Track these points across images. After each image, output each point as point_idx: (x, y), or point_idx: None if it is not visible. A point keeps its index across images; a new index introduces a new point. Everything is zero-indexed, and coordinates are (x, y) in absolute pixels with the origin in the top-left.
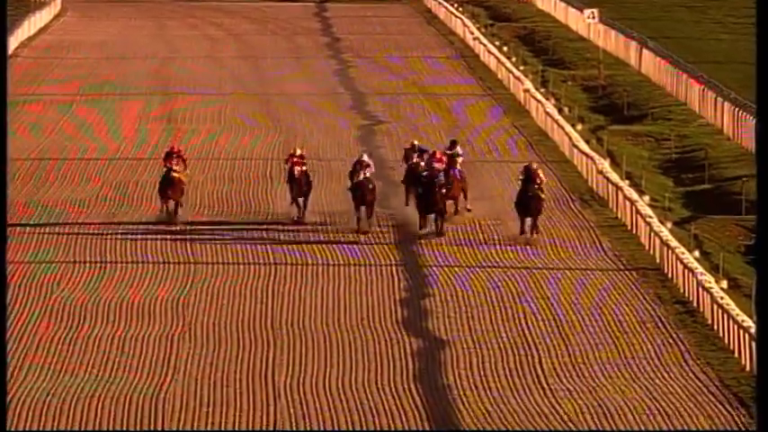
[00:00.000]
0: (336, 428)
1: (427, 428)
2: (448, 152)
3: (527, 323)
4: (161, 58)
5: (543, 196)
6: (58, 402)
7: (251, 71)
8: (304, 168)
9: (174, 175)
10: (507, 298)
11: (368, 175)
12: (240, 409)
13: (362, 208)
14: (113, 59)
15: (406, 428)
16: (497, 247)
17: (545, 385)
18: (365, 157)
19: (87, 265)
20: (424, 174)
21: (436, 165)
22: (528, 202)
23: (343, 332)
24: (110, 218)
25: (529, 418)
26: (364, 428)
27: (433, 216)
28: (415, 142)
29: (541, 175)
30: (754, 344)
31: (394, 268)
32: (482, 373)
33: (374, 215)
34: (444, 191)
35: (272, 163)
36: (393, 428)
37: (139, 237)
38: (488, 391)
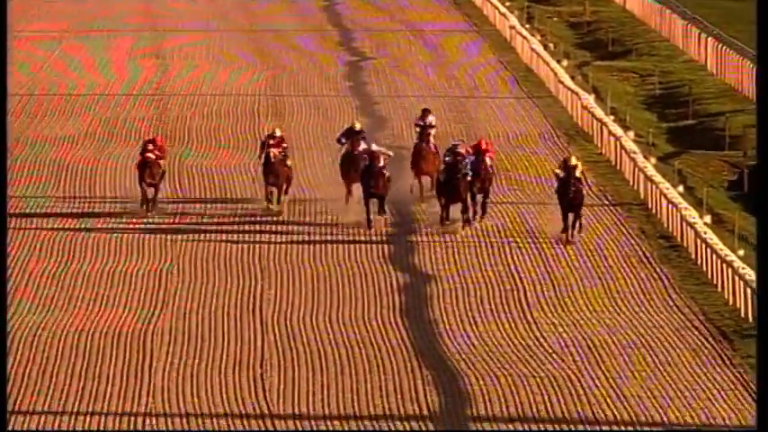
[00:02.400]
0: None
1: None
2: (420, 122)
3: (512, 258)
4: None
5: (585, 191)
6: (48, 337)
7: (238, 7)
8: (281, 151)
9: (150, 155)
10: (493, 233)
11: (381, 163)
12: (228, 343)
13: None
14: None
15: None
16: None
17: (530, 319)
18: (374, 146)
19: (77, 200)
20: (446, 160)
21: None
22: (569, 200)
23: (331, 267)
24: (99, 153)
25: (514, 350)
26: (353, 371)
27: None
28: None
29: (581, 167)
30: (737, 279)
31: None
32: (468, 307)
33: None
34: (478, 184)
35: (259, 98)
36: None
37: (128, 173)
38: (474, 326)
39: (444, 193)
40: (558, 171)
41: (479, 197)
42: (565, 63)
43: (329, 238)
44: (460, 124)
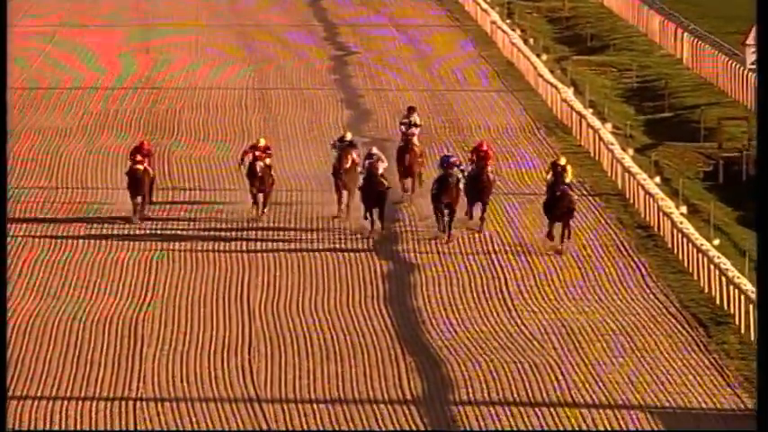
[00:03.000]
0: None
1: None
2: (405, 120)
3: (493, 247)
4: None
5: (575, 195)
6: (41, 324)
7: (226, 3)
8: (268, 162)
9: (138, 167)
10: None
11: (381, 171)
12: (216, 330)
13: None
14: None
15: (405, 429)
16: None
17: (511, 307)
18: (375, 150)
19: (69, 190)
20: (440, 170)
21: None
22: (556, 203)
23: (316, 256)
24: (90, 145)
25: (495, 337)
26: (338, 357)
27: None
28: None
29: (570, 170)
30: (713, 267)
31: None
32: (450, 295)
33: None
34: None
35: (246, 92)
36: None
37: (120, 163)
38: (456, 313)
39: (439, 203)
40: (547, 177)
41: (477, 208)
42: (544, 57)
43: (315, 226)
44: (443, 116)
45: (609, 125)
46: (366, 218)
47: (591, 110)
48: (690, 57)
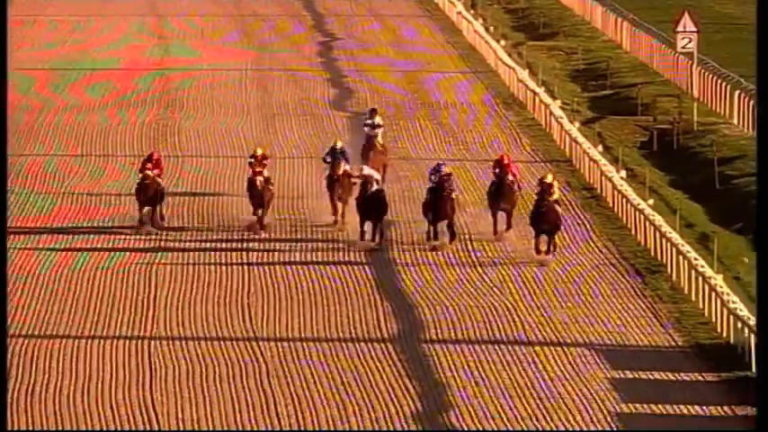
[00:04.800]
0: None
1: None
2: (368, 122)
3: (459, 209)
4: None
5: (560, 210)
6: (68, 272)
7: None
8: (266, 176)
9: (148, 173)
10: None
11: (377, 186)
12: (219, 280)
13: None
14: None
15: (373, 350)
16: (436, 141)
17: (474, 259)
18: (366, 170)
19: (92, 157)
20: (432, 179)
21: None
22: (541, 218)
23: (307, 222)
24: (111, 119)
25: (460, 285)
26: (326, 302)
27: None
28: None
29: (556, 187)
30: (648, 224)
31: None
32: (422, 249)
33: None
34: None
35: (245, 72)
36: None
37: (136, 135)
38: (426, 265)
39: (431, 212)
40: (535, 192)
41: (501, 214)
42: (503, 43)
43: (304, 192)
44: (414, 94)
45: (558, 101)
46: (362, 230)
47: (543, 88)
48: (628, 42)
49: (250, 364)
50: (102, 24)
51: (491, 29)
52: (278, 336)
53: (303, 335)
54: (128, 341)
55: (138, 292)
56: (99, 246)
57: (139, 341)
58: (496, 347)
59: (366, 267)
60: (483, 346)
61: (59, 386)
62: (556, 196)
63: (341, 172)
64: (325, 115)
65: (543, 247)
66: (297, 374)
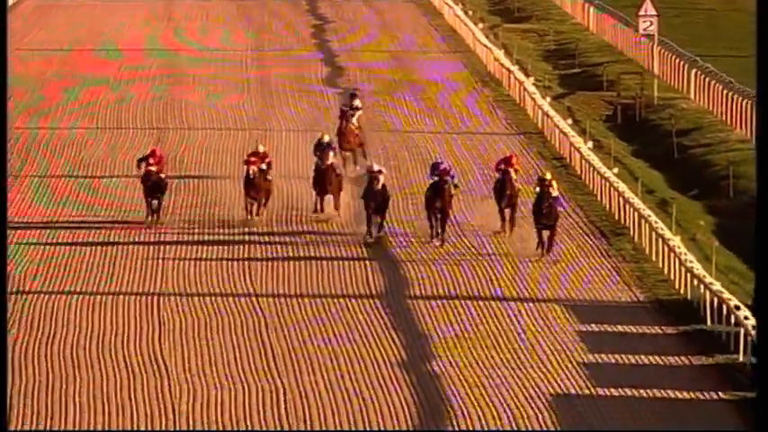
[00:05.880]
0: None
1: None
2: (345, 105)
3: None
4: None
5: (560, 209)
6: (86, 237)
7: None
8: (263, 167)
9: (151, 169)
10: (422, 157)
11: (381, 180)
12: (222, 244)
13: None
14: None
15: (362, 305)
16: (419, 116)
17: (454, 222)
18: (375, 167)
19: (107, 130)
20: (432, 175)
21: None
22: (542, 216)
23: (301, 182)
24: (124, 93)
25: (443, 250)
26: (319, 262)
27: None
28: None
29: (555, 185)
30: (612, 190)
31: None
32: (407, 211)
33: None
34: (507, 200)
35: (246, 52)
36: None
37: (146, 108)
38: (411, 227)
39: (432, 208)
40: (536, 190)
41: (507, 211)
42: (481, 26)
43: (300, 163)
44: (400, 71)
45: (531, 78)
46: (369, 227)
47: (517, 66)
48: (594, 25)
49: (250, 317)
50: (115, 7)
51: (470, 13)
52: (275, 292)
53: (299, 290)
54: (138, 297)
55: (147, 251)
56: (111, 219)
57: (149, 297)
58: (474, 303)
59: (355, 228)
60: (462, 302)
61: (76, 338)
62: (555, 193)
63: (329, 162)
64: (319, 91)
65: (540, 246)
66: (293, 326)
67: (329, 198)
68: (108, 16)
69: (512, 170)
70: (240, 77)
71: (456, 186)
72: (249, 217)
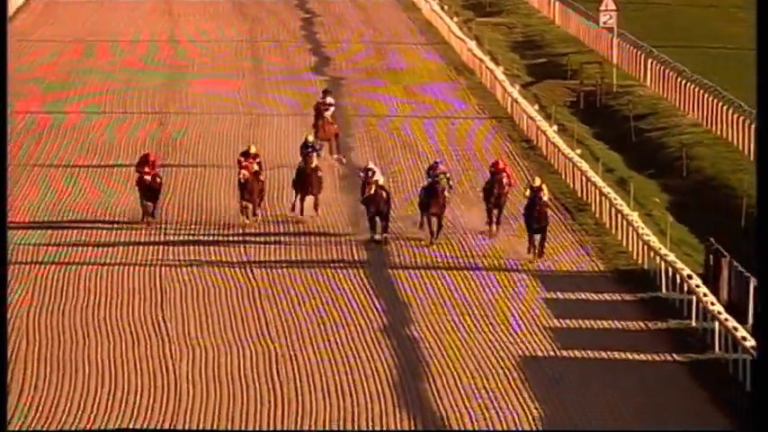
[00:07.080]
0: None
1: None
2: (320, 101)
3: (415, 156)
4: None
5: (549, 213)
6: (96, 212)
7: None
8: (255, 169)
9: (147, 178)
10: (405, 139)
11: (380, 182)
12: (219, 216)
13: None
14: None
15: (349, 273)
16: (397, 98)
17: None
18: (371, 164)
19: (108, 114)
20: (429, 176)
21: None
22: (533, 221)
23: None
24: (130, 81)
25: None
26: (311, 234)
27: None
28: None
29: (545, 190)
30: (576, 169)
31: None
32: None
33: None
34: (498, 201)
35: (240, 44)
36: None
37: (150, 96)
38: (394, 209)
39: (426, 207)
40: (527, 194)
41: (495, 212)
42: (455, 19)
43: (291, 146)
44: (381, 61)
45: (501, 68)
46: (371, 229)
47: (488, 57)
48: (560, 19)
49: (245, 286)
50: (119, 4)
51: (445, 8)
52: (268, 261)
53: (292, 258)
54: (142, 267)
55: (149, 225)
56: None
57: (151, 267)
58: (450, 273)
59: (342, 206)
60: (439, 272)
61: (84, 306)
62: (546, 198)
63: (313, 166)
64: (307, 79)
65: (531, 249)
66: (284, 295)
67: (309, 198)
68: (112, 11)
69: (504, 175)
70: (236, 66)
71: (450, 188)
72: (245, 220)
